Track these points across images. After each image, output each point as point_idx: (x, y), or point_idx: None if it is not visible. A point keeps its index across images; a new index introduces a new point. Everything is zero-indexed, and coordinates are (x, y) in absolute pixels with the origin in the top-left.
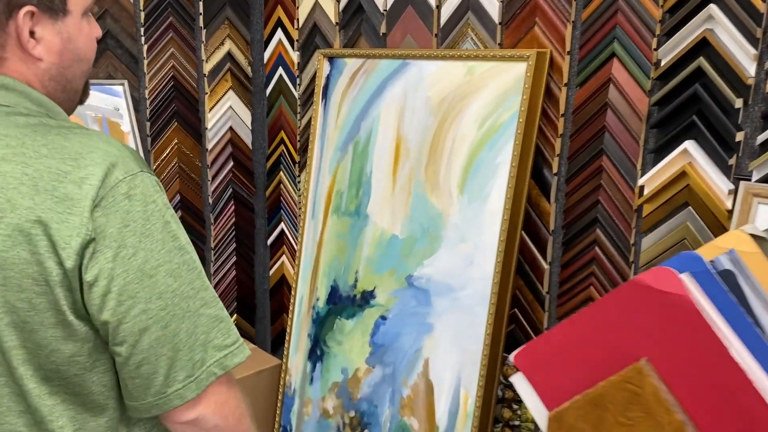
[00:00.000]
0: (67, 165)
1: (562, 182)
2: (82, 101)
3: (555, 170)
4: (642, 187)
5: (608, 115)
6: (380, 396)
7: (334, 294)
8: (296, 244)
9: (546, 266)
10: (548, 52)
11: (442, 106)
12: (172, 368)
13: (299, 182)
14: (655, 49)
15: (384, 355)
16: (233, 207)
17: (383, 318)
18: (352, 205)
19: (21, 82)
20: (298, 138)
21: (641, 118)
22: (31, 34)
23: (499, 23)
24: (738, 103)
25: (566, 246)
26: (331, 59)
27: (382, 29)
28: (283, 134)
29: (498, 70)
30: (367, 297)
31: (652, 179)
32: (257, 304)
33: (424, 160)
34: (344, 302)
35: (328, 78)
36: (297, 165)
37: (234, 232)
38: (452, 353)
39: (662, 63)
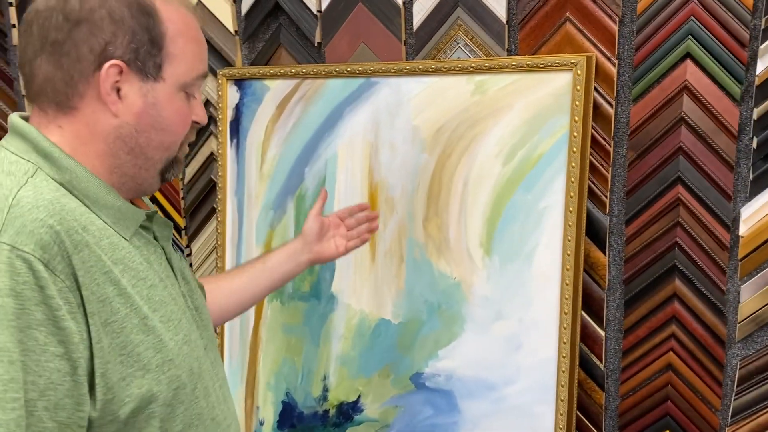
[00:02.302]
0: None
1: (619, 224)
2: (165, 178)
3: (608, 210)
4: (736, 220)
5: (683, 134)
6: None
7: (289, 413)
8: None
9: (602, 333)
10: (594, 57)
11: (440, 137)
12: None
13: (189, 256)
14: (746, 46)
15: None
16: None
17: None
18: (306, 283)
19: (43, 134)
20: (181, 195)
21: (732, 135)
22: (118, 90)
23: (507, 23)
24: None
25: (629, 305)
26: (239, 82)
27: (317, 37)
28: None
29: (525, 84)
30: (348, 411)
31: (758, 211)
32: None
33: (421, 213)
34: (308, 422)
35: (238, 108)
36: (183, 232)
37: None
38: None
39: (759, 64)
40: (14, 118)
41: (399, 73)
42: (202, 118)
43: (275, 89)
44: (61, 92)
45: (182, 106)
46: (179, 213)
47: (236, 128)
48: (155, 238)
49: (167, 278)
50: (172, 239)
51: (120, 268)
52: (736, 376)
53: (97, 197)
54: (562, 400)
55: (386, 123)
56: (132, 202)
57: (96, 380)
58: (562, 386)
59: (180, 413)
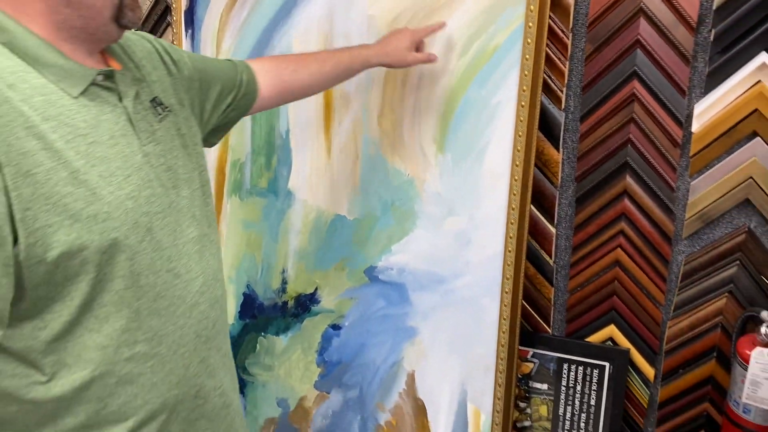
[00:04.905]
0: None
1: (574, 120)
2: (122, 24)
3: (563, 105)
4: (689, 116)
5: (641, 25)
6: (345, 428)
7: (249, 304)
8: None
9: (552, 230)
10: None
11: (396, 27)
12: None
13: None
14: None
15: (344, 375)
16: None
17: (336, 327)
18: (263, 179)
19: None
20: None
21: (691, 27)
22: None
23: None
24: None
25: (581, 202)
26: None
27: None
28: None
29: None
30: (305, 303)
31: (711, 106)
32: None
33: (376, 109)
34: (269, 313)
35: None
36: None
37: None
38: (450, 360)
39: None
40: None
41: None
42: None
43: None
44: None
45: None
46: None
47: (191, 18)
48: (120, 98)
49: (122, 137)
50: (156, 100)
51: (52, 124)
52: (681, 272)
53: (37, 56)
54: (507, 292)
55: (341, 13)
56: (105, 59)
57: (16, 225)
58: (507, 279)
59: (120, 261)
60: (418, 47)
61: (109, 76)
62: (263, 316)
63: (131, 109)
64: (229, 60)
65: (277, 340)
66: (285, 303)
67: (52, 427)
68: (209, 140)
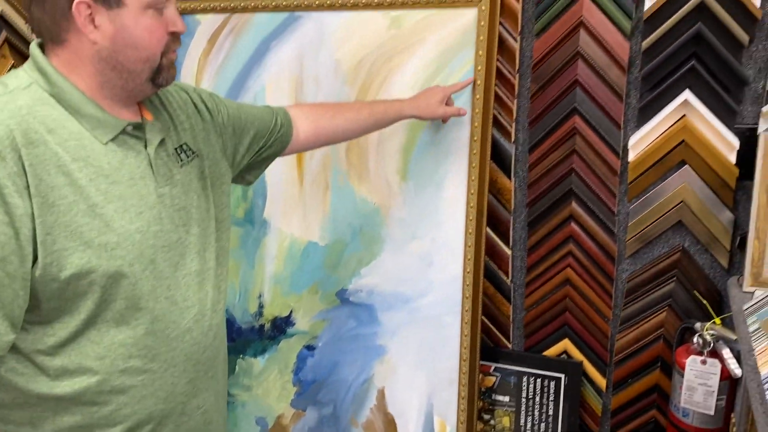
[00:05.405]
0: None
1: (524, 152)
2: (157, 83)
3: (513, 138)
4: (625, 148)
5: (579, 67)
6: None
7: (228, 328)
8: None
9: (508, 252)
10: None
11: (360, 70)
12: None
13: None
14: None
15: (318, 393)
16: None
17: (310, 348)
18: (240, 209)
19: (52, 65)
20: None
21: (623, 68)
22: (93, 20)
23: None
24: (746, 41)
25: (532, 226)
26: None
27: None
28: None
29: (436, 19)
30: (281, 325)
31: (644, 138)
32: None
33: (344, 143)
34: (246, 336)
35: None
36: None
37: None
38: (417, 376)
39: (647, 2)
40: (32, 44)
41: (320, 7)
42: (178, 26)
43: (206, 23)
44: (51, 30)
45: (152, 23)
46: None
47: None
48: (146, 145)
49: (141, 179)
50: (183, 147)
51: (80, 164)
52: (625, 289)
53: (78, 108)
54: (467, 311)
55: (311, 57)
56: (140, 110)
57: (38, 246)
58: (467, 298)
59: (123, 285)
60: (447, 101)
61: (137, 126)
62: (241, 339)
63: (153, 155)
64: (267, 106)
65: (255, 362)
66: (262, 326)
67: (52, 422)
68: (245, 178)
